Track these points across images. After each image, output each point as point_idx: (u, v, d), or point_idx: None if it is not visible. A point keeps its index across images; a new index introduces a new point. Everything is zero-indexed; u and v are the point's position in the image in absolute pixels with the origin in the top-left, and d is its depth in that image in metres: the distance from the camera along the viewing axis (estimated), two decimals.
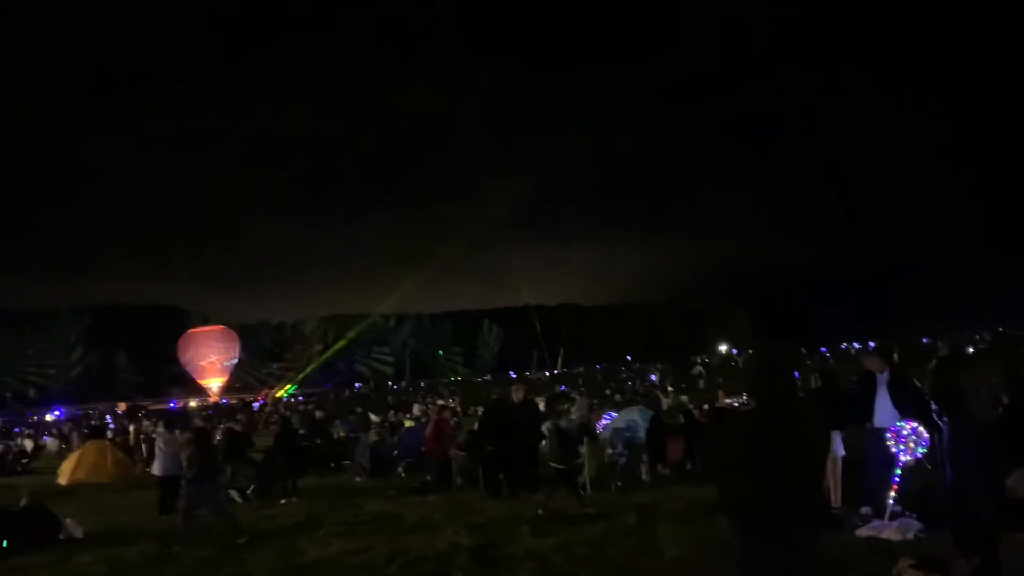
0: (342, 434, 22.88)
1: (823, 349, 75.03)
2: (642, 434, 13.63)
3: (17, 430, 42.01)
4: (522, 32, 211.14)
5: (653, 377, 50.45)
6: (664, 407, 23.24)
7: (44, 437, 35.92)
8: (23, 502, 11.60)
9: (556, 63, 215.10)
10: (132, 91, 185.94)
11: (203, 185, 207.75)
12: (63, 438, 33.77)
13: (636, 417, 14.26)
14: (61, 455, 27.40)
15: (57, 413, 67.21)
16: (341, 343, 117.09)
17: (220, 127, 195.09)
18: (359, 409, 37.75)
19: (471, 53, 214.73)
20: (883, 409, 8.22)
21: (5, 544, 10.23)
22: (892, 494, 7.88)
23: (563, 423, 11.41)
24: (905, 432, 7.86)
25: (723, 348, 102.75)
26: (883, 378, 8.35)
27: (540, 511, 9.96)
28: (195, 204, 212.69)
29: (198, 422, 16.57)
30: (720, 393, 20.87)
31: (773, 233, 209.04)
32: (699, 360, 75.50)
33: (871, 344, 48.61)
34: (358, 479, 15.90)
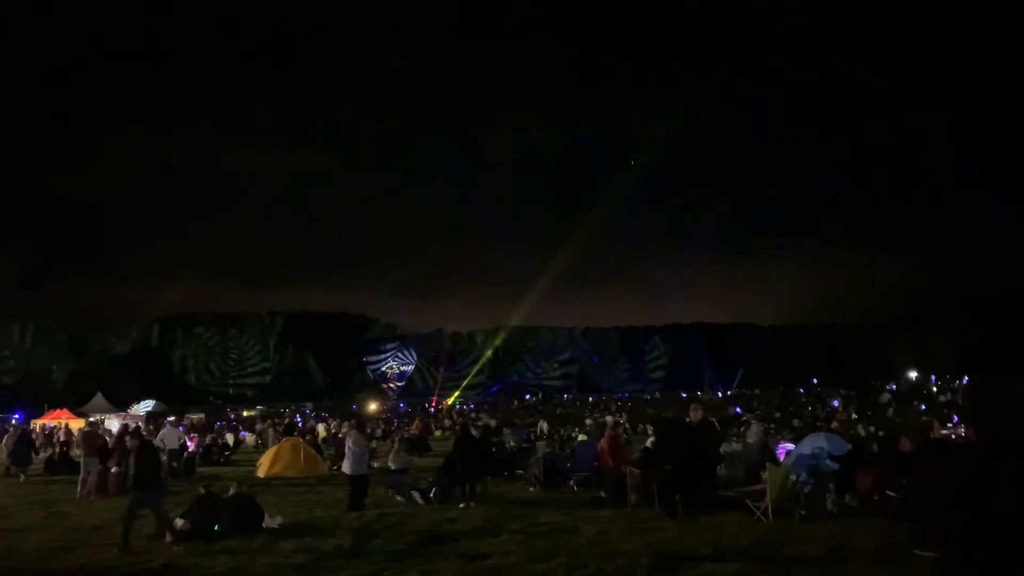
0: (513, 444, 23.29)
1: None
2: (828, 461, 12.99)
3: (219, 424, 45.80)
4: (702, 49, 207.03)
5: (836, 403, 47.74)
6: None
7: (242, 432, 38.93)
8: (232, 491, 12.72)
9: (730, 82, 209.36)
10: (331, 110, 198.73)
11: (393, 201, 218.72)
12: (259, 434, 36.41)
13: (823, 443, 13.63)
14: (258, 450, 29.71)
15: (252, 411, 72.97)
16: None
17: (408, 147, 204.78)
18: (531, 420, 38.26)
19: (653, 72, 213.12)
20: None
21: (217, 528, 11.21)
22: None
23: (739, 446, 11.10)
24: None
25: (912, 374, 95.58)
26: None
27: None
28: (382, 218, 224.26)
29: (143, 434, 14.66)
30: (935, 423, 19.56)
31: (964, 252, 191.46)
32: (887, 386, 70.69)
33: None
34: (531, 489, 16.10)
